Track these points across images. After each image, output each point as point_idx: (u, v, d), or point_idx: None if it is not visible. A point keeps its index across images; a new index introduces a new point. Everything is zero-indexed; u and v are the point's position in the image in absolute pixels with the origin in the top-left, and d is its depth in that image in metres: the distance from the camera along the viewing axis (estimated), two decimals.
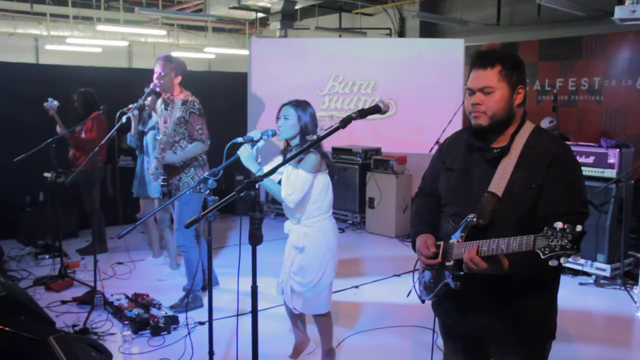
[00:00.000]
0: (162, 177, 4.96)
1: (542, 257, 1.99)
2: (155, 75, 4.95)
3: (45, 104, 6.15)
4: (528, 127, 2.38)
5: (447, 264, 2.40)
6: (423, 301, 2.70)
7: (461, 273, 2.33)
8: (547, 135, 2.40)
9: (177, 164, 4.96)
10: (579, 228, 1.95)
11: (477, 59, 2.36)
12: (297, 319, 4.10)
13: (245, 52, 10.90)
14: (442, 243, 2.45)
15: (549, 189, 2.26)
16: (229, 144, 3.38)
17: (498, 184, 2.30)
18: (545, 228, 2.01)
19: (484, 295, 2.38)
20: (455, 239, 2.39)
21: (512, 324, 2.39)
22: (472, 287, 2.36)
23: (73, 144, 6.54)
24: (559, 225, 1.98)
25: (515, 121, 2.37)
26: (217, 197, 3.11)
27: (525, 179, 2.28)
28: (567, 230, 1.96)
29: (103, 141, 5.17)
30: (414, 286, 2.76)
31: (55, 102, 6.16)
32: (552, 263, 1.98)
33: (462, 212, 2.39)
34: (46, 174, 5.73)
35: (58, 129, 6.26)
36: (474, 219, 2.31)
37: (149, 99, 5.82)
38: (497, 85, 2.29)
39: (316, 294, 3.78)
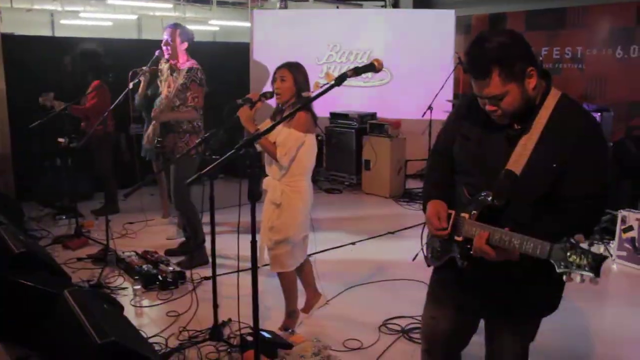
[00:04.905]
0: (158, 139, 4.85)
1: (557, 270, 1.75)
2: (162, 42, 4.84)
3: (40, 99, 5.95)
4: (553, 98, 2.03)
5: (457, 238, 2.14)
6: (429, 266, 2.46)
7: (470, 252, 2.09)
8: (573, 108, 2.05)
9: (172, 122, 4.86)
10: (601, 249, 1.73)
11: (471, 68, 1.98)
12: (304, 274, 3.98)
13: (248, 24, 10.65)
14: (453, 213, 2.17)
15: (571, 170, 1.96)
16: (228, 106, 3.26)
17: (517, 161, 2.00)
18: (565, 239, 1.75)
19: (490, 276, 2.13)
20: (467, 213, 2.12)
21: (516, 305, 2.18)
22: (479, 266, 2.11)
23: (82, 116, 6.38)
24: (580, 238, 1.73)
25: (536, 98, 2.04)
26: (218, 157, 3.00)
27: (546, 158, 1.98)
28: (589, 250, 1.71)
29: (117, 101, 5.02)
30: (422, 250, 2.47)
31: (51, 94, 5.98)
32: (566, 279, 1.75)
33: (477, 183, 2.12)
34: (60, 139, 5.61)
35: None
36: (488, 198, 2.05)
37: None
38: (504, 89, 1.94)
39: (282, 253, 3.64)
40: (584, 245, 1.73)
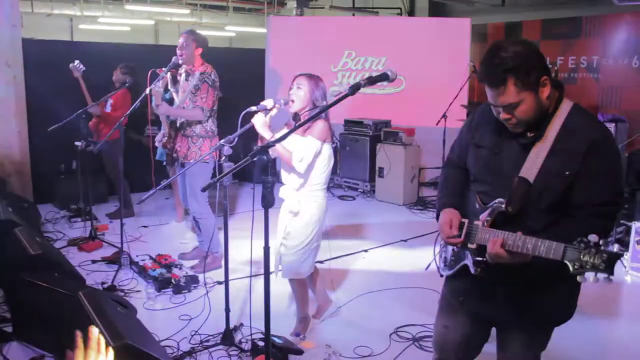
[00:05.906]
0: (166, 136, 4.88)
1: (570, 270, 1.76)
2: (178, 46, 4.88)
3: (71, 65, 6.01)
4: (565, 108, 2.05)
5: (470, 246, 2.14)
6: (442, 275, 2.47)
7: (483, 259, 2.09)
8: (585, 117, 2.06)
9: (183, 124, 4.88)
10: (616, 248, 1.71)
11: (486, 77, 2.00)
12: (314, 282, 4.01)
13: (264, 30, 10.72)
14: (466, 222, 2.18)
15: (584, 177, 1.97)
16: (243, 113, 3.27)
17: (530, 169, 2.02)
18: (579, 239, 1.76)
19: (503, 284, 2.15)
20: (481, 220, 2.12)
21: (530, 313, 2.18)
22: (492, 273, 2.12)
23: (96, 115, 6.43)
24: (594, 239, 1.73)
25: (549, 107, 2.06)
26: (232, 164, 3.02)
27: (559, 165, 1.99)
28: (602, 248, 1.72)
29: (133, 106, 5.06)
30: (435, 259, 2.49)
31: (82, 67, 6.04)
32: (580, 279, 1.74)
33: (491, 192, 2.14)
34: (77, 143, 5.66)
35: (87, 97, 6.16)
36: (502, 205, 2.06)
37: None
38: (519, 97, 1.96)
39: (295, 260, 3.65)
40: (599, 244, 1.73)
